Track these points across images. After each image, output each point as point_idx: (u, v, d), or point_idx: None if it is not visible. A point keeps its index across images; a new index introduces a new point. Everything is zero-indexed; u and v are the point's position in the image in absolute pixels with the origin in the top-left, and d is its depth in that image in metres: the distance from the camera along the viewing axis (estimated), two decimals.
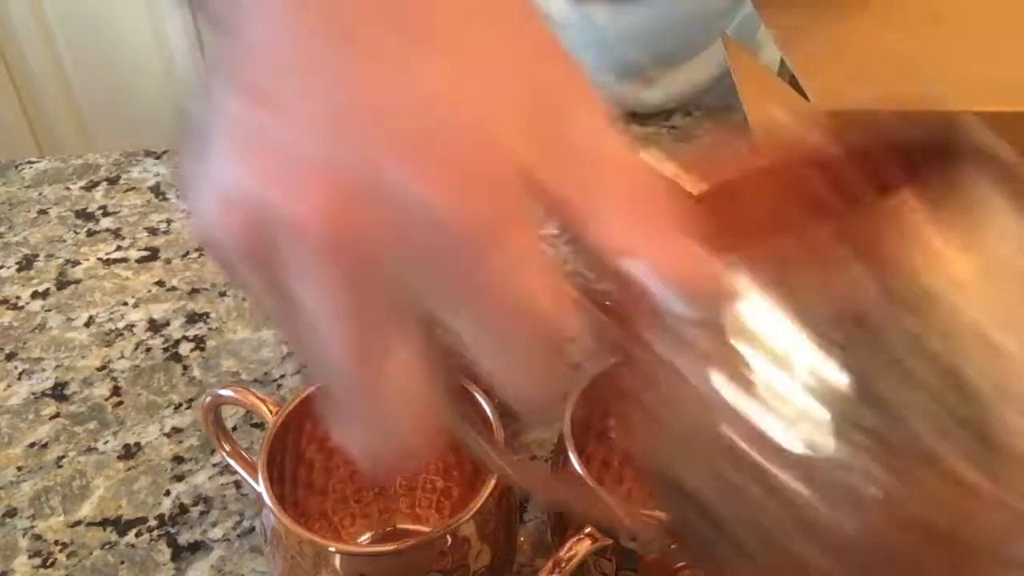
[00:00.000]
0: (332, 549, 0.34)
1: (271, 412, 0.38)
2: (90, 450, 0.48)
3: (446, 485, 0.43)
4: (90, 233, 0.62)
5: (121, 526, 0.45)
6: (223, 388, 0.40)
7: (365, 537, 0.43)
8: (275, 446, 0.37)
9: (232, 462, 0.43)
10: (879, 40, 0.55)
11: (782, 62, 0.75)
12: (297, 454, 0.40)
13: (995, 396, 0.19)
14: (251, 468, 0.43)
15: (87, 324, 0.55)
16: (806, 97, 0.50)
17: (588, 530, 0.34)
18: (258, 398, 0.39)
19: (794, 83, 0.52)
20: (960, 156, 0.22)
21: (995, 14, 0.57)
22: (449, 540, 0.34)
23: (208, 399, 0.41)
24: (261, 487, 0.35)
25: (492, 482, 0.35)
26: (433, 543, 0.34)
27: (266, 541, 0.36)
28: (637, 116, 0.74)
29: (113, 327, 0.55)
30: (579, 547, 0.34)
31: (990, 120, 0.53)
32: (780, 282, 0.20)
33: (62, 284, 0.58)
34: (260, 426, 0.49)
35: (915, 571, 0.20)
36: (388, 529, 0.43)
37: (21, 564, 0.43)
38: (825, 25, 0.55)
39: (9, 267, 0.59)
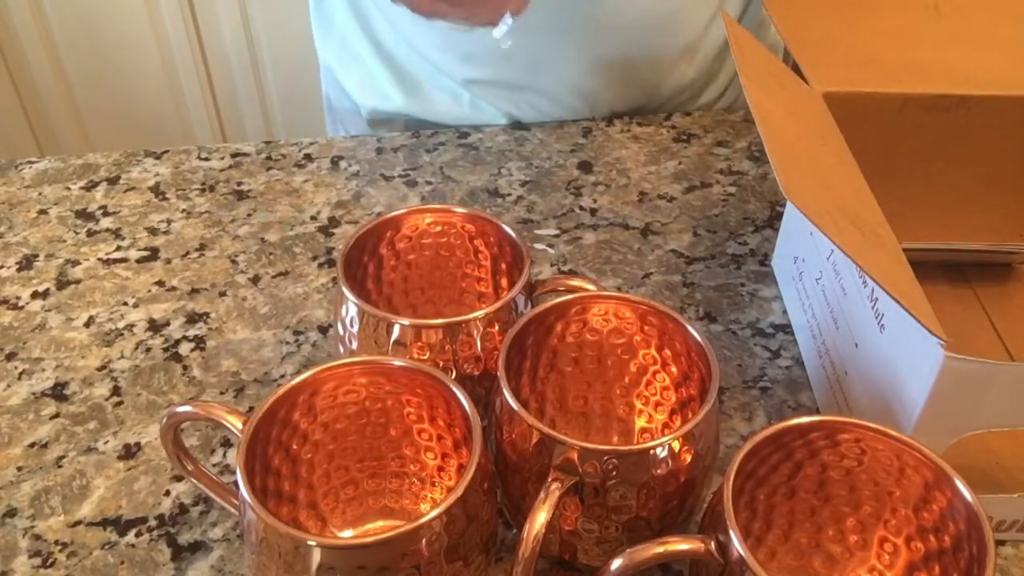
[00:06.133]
0: (311, 542, 0.34)
1: (237, 420, 0.38)
2: (90, 450, 0.48)
3: (438, 466, 0.43)
4: (90, 233, 0.62)
5: (121, 526, 0.45)
6: (181, 405, 0.40)
7: (353, 531, 0.43)
8: (253, 446, 0.37)
9: (195, 481, 0.43)
10: (878, 26, 0.55)
11: (786, 50, 0.75)
12: (278, 452, 0.40)
13: None
14: (218, 486, 0.44)
15: (87, 324, 0.55)
16: (805, 80, 0.51)
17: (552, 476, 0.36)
18: (223, 409, 0.39)
19: (796, 70, 0.52)
20: None
21: (992, 3, 0.57)
22: (434, 526, 0.34)
23: (165, 419, 0.40)
24: (240, 482, 0.35)
25: (475, 463, 0.35)
26: (417, 531, 0.34)
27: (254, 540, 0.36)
28: (637, 116, 0.74)
29: (113, 327, 0.55)
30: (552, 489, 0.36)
31: (987, 104, 0.53)
32: None
33: (62, 284, 0.58)
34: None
35: None
36: (380, 522, 0.43)
37: (21, 564, 0.43)
38: (825, 12, 0.55)
39: (9, 267, 0.59)
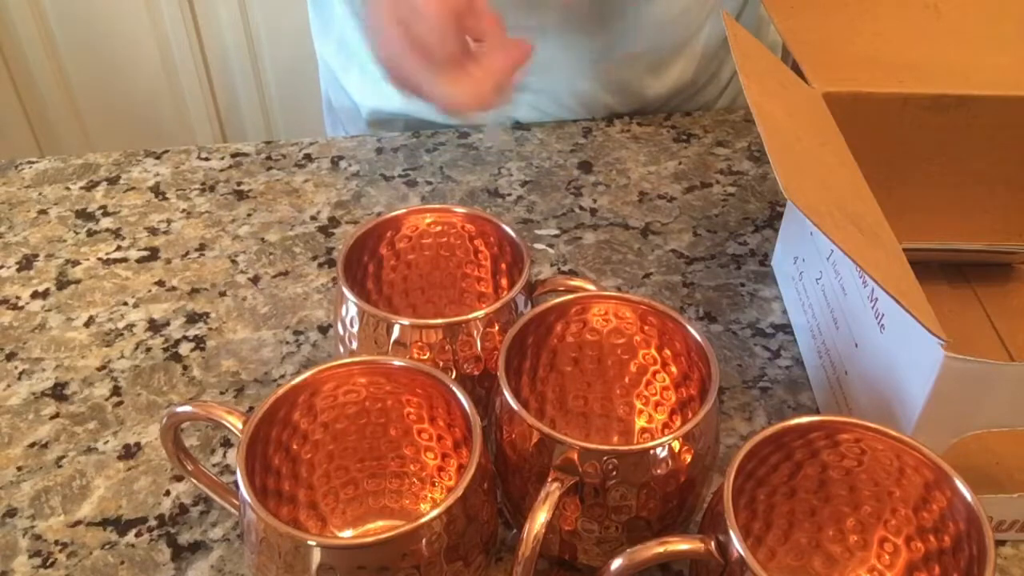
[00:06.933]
0: (311, 542, 0.34)
1: (237, 420, 0.38)
2: (90, 450, 0.48)
3: (438, 466, 0.43)
4: (90, 233, 0.62)
5: (121, 526, 0.45)
6: (181, 405, 0.40)
7: (353, 531, 0.43)
8: (253, 445, 0.37)
9: (195, 481, 0.43)
10: (878, 26, 0.55)
11: (785, 50, 0.75)
12: (278, 452, 0.40)
13: None
14: (218, 486, 0.44)
15: (87, 324, 0.55)
16: (805, 80, 0.51)
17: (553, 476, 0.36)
18: (223, 409, 0.39)
19: (796, 70, 0.52)
20: None
21: (992, 3, 0.57)
22: (434, 526, 0.34)
23: (165, 419, 0.41)
24: (240, 482, 0.35)
25: (475, 463, 0.35)
26: (417, 531, 0.34)
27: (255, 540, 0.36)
28: (636, 116, 0.74)
29: (113, 327, 0.55)
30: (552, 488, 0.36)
31: (987, 104, 0.54)
32: None
33: (62, 284, 0.58)
34: None
35: None
36: (380, 522, 0.43)
37: (21, 564, 0.43)
38: (825, 12, 0.55)
39: (9, 267, 0.59)
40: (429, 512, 0.34)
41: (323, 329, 0.55)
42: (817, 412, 0.50)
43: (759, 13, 0.79)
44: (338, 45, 0.78)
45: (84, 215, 0.64)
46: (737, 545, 0.32)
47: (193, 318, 0.56)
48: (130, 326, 0.55)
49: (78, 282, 0.58)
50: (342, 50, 0.78)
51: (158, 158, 0.69)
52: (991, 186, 0.56)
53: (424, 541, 0.34)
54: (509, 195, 0.66)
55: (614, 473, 0.36)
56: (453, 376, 0.42)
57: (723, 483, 0.34)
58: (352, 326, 0.44)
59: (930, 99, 0.52)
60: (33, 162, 0.69)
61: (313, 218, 0.64)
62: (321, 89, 0.86)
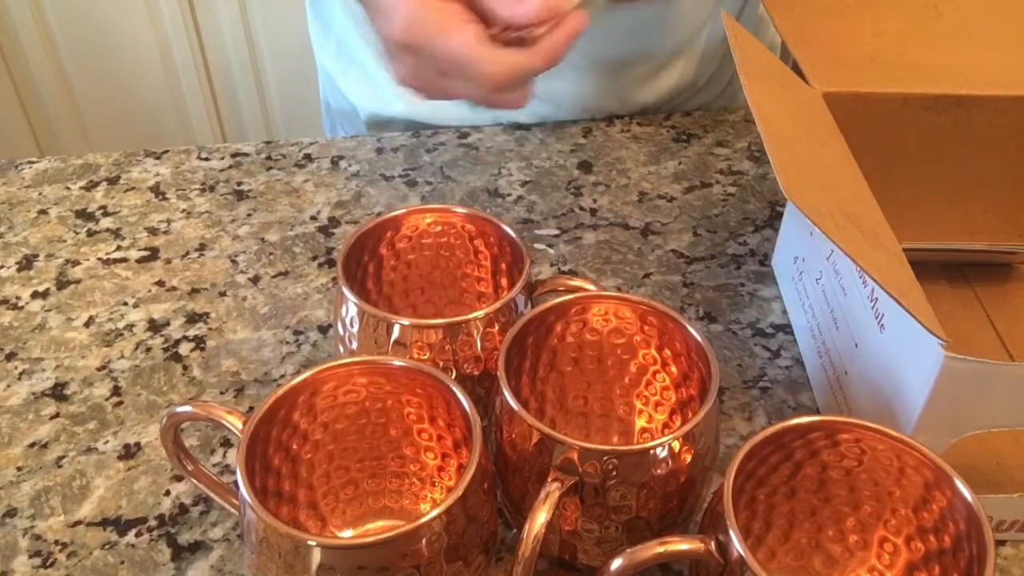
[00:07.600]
0: (311, 542, 0.33)
1: (237, 420, 0.38)
2: (90, 450, 0.48)
3: (438, 466, 0.43)
4: (90, 233, 0.62)
5: (121, 526, 0.45)
6: (181, 405, 0.40)
7: (353, 531, 0.43)
8: (253, 445, 0.37)
9: (195, 481, 0.43)
10: (878, 26, 0.55)
11: (783, 47, 0.75)
12: (278, 452, 0.40)
13: None
14: (218, 486, 0.44)
15: (87, 324, 0.55)
16: (805, 80, 0.51)
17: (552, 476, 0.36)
18: (223, 409, 0.39)
19: (796, 70, 0.52)
20: None
21: (992, 3, 0.57)
22: (434, 526, 0.34)
23: (165, 419, 0.41)
24: (240, 482, 0.35)
25: (475, 463, 0.35)
26: (417, 531, 0.34)
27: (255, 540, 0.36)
28: (637, 116, 0.74)
29: (113, 327, 0.55)
30: (552, 488, 0.36)
31: (987, 104, 0.54)
32: None
33: (62, 284, 0.58)
34: None
35: None
36: (380, 522, 0.43)
37: (21, 564, 0.43)
38: (825, 12, 0.56)
39: (9, 267, 0.59)
40: (429, 512, 0.34)
41: (323, 329, 0.55)
42: (817, 412, 0.50)
43: (759, 13, 0.79)
44: (337, 48, 0.78)
45: (84, 215, 0.64)
46: (737, 545, 0.32)
47: (193, 318, 0.56)
48: (130, 326, 0.55)
49: (78, 282, 0.58)
50: (341, 53, 0.78)
51: (158, 158, 0.69)
52: (991, 186, 0.56)
53: (424, 541, 0.34)
54: (509, 195, 0.66)
55: (614, 473, 0.36)
56: (453, 376, 0.42)
57: (723, 483, 0.34)
58: (352, 326, 0.44)
59: (930, 99, 0.52)
60: (33, 162, 0.69)
61: (313, 218, 0.64)
62: (320, 92, 0.86)
